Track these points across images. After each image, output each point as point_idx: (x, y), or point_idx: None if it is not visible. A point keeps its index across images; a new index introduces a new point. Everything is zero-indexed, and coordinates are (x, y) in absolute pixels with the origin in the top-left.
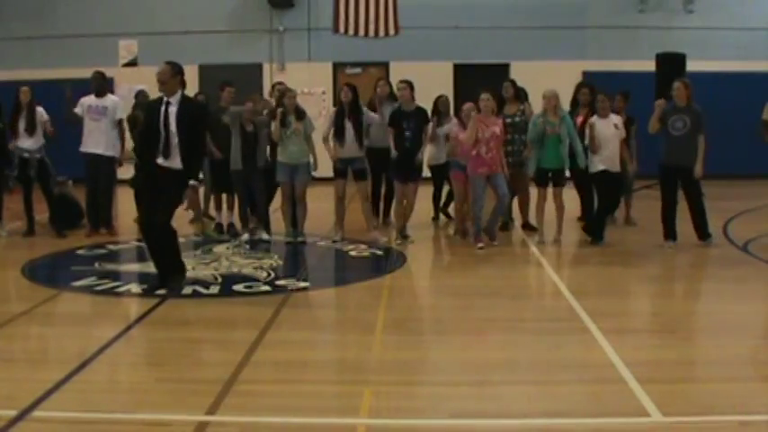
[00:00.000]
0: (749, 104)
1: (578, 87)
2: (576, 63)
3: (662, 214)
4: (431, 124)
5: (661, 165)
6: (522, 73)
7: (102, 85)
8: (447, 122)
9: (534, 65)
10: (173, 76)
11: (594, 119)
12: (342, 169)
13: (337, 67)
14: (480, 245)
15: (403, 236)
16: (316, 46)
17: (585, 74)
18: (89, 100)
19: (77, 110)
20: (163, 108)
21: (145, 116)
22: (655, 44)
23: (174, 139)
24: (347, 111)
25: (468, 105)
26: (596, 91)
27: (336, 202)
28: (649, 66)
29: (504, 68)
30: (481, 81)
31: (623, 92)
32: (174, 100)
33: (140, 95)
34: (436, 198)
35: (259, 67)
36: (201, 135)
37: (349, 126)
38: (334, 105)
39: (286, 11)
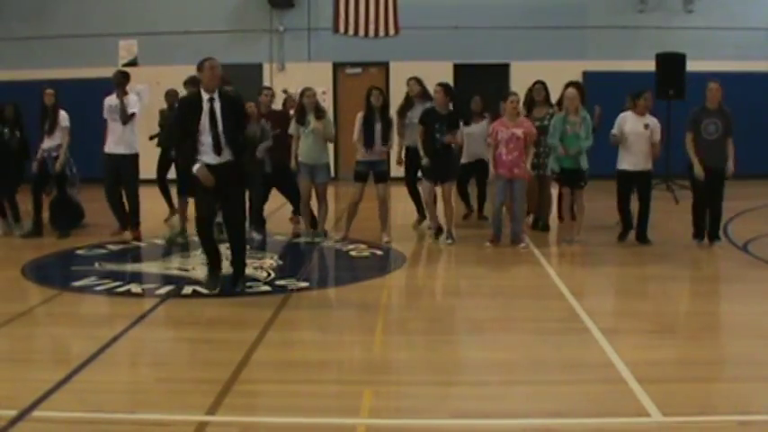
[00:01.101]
0: (749, 104)
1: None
2: (576, 63)
3: (693, 215)
4: (460, 130)
5: (690, 165)
6: (522, 73)
7: (122, 83)
8: (477, 122)
9: (534, 65)
10: (218, 67)
11: (628, 114)
12: (363, 172)
13: (337, 67)
14: (488, 243)
15: (450, 236)
16: (316, 46)
17: (585, 74)
18: (110, 100)
19: (104, 113)
20: (207, 105)
21: (184, 113)
22: (655, 44)
23: (223, 135)
24: (378, 114)
25: (512, 98)
26: (584, 90)
27: (351, 204)
28: (649, 66)
29: (504, 68)
30: (481, 81)
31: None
32: (216, 95)
33: (171, 93)
34: (465, 196)
35: (259, 67)
36: (243, 126)
37: (378, 129)
38: (335, 105)
39: (286, 11)
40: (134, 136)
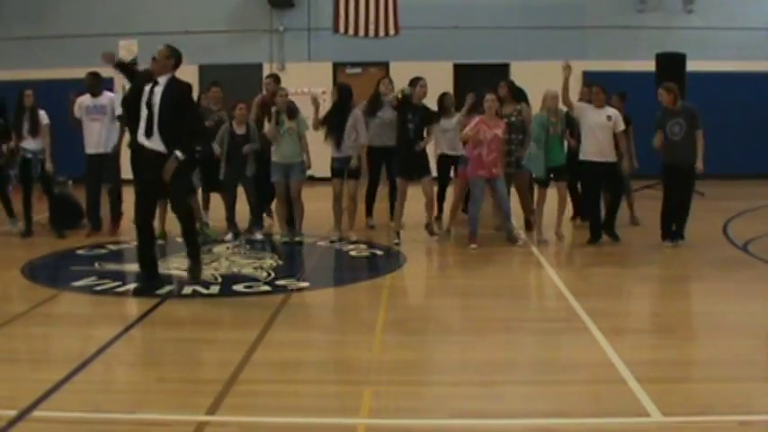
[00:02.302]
0: (749, 104)
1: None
2: (576, 63)
3: (662, 214)
4: (436, 123)
5: (663, 165)
6: (522, 73)
7: (96, 84)
8: (449, 118)
9: (534, 65)
10: (167, 57)
11: (585, 105)
12: (338, 168)
13: (337, 67)
14: (473, 245)
15: (431, 233)
16: (316, 46)
17: (585, 74)
18: (86, 100)
19: (76, 113)
20: (149, 86)
21: (131, 90)
22: (655, 44)
23: (156, 119)
24: (338, 110)
25: (489, 96)
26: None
27: (334, 201)
28: (649, 66)
29: (504, 68)
30: (481, 81)
31: (620, 92)
32: (163, 80)
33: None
34: (440, 193)
35: (259, 67)
36: (189, 118)
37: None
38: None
39: (286, 11)
40: (111, 133)
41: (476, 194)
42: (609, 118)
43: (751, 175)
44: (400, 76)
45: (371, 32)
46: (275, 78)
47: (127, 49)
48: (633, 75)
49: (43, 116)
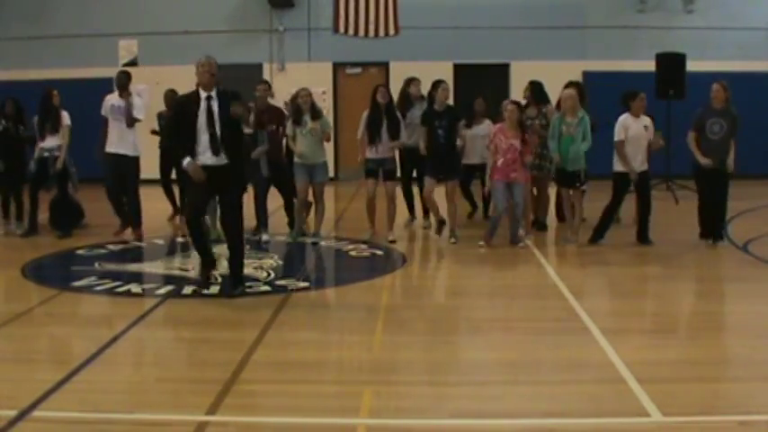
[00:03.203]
0: (749, 104)
1: (564, 87)
2: (576, 63)
3: (699, 216)
4: (463, 122)
5: (695, 166)
6: (522, 73)
7: (126, 84)
8: (479, 123)
9: (534, 65)
10: (215, 68)
11: (627, 116)
12: (373, 169)
13: (337, 67)
14: (482, 243)
15: (453, 235)
16: (316, 46)
17: (585, 74)
18: (112, 99)
19: (102, 111)
20: (205, 104)
21: (180, 112)
22: (655, 44)
23: (220, 135)
24: (384, 112)
25: (510, 106)
26: (583, 90)
27: (368, 201)
28: (649, 66)
29: (504, 68)
30: (481, 81)
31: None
32: (215, 94)
33: (170, 94)
34: (468, 195)
35: (259, 67)
36: (240, 126)
37: (384, 127)
38: (335, 105)
39: (286, 11)
40: (136, 137)
41: (496, 198)
42: (646, 128)
43: (751, 175)
44: (400, 76)
45: (371, 32)
46: (268, 85)
47: (127, 49)
48: (633, 75)
49: (65, 117)
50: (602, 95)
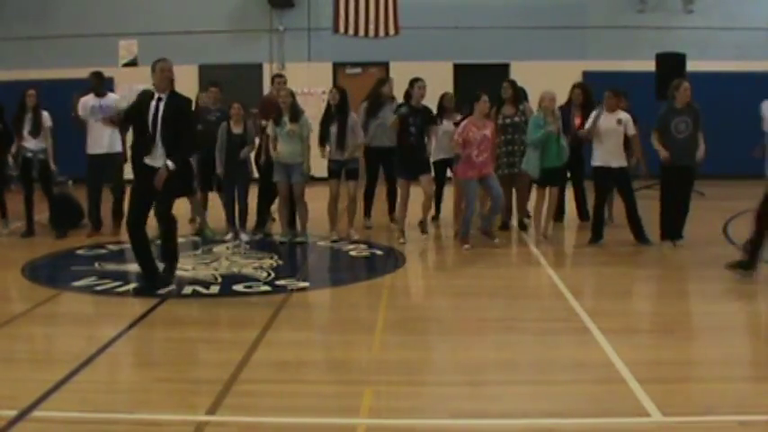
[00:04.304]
0: (749, 104)
1: (572, 88)
2: (576, 63)
3: (661, 215)
4: (437, 125)
5: (663, 166)
6: (522, 73)
7: (99, 84)
8: (448, 119)
9: (534, 65)
10: (170, 70)
11: (599, 112)
12: (336, 170)
13: (337, 67)
14: (466, 246)
15: (423, 231)
16: (316, 46)
17: (585, 74)
18: (90, 100)
19: (80, 112)
20: (154, 104)
21: (135, 111)
22: (655, 44)
23: (159, 136)
24: (334, 113)
25: (483, 98)
26: (590, 91)
27: (330, 202)
28: (649, 66)
29: (504, 68)
30: (481, 81)
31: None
32: (165, 96)
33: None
34: (437, 196)
35: (259, 67)
36: (186, 130)
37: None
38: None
39: (286, 11)
40: (116, 134)
41: (469, 197)
42: (619, 122)
43: (751, 175)
44: (400, 76)
45: (371, 32)
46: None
47: (127, 49)
48: (633, 75)
49: (46, 117)
50: (602, 95)
